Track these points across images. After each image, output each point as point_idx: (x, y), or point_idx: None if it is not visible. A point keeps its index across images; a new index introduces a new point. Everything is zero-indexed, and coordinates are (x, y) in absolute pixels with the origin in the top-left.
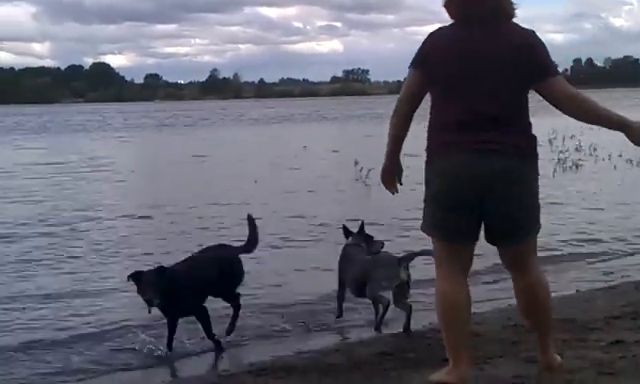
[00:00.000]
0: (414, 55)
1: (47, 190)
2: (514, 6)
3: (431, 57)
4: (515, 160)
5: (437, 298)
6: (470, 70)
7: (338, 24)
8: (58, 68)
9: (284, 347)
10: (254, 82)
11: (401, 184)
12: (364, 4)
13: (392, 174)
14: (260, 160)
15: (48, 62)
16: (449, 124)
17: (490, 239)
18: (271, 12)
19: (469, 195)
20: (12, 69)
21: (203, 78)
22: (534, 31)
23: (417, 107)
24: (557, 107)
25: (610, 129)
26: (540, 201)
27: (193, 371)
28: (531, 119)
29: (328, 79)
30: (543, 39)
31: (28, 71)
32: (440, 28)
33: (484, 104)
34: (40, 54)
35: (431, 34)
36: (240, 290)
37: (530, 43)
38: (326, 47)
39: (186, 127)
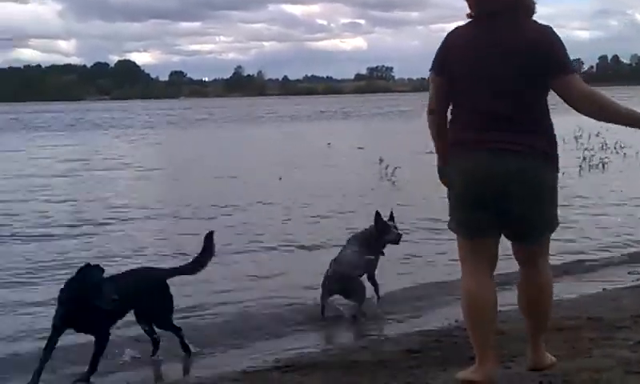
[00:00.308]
0: (433, 58)
1: (79, 189)
2: (534, 1)
3: (449, 59)
4: (529, 160)
5: (462, 296)
6: (485, 69)
7: (362, 21)
8: (84, 65)
9: (309, 344)
10: (277, 80)
11: None
12: (388, 1)
13: (445, 173)
14: (284, 157)
15: (74, 60)
16: (465, 123)
17: (505, 235)
18: (295, 9)
19: (486, 193)
20: (39, 66)
21: (227, 76)
22: (551, 27)
23: (444, 107)
24: (573, 106)
25: (629, 126)
26: (565, 199)
27: (218, 367)
28: (557, 117)
29: (352, 76)
30: (569, 37)
31: (54, 68)
32: (457, 27)
33: (498, 103)
34: (66, 52)
35: (448, 34)
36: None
37: (547, 40)
38: (349, 44)
39: (211, 124)
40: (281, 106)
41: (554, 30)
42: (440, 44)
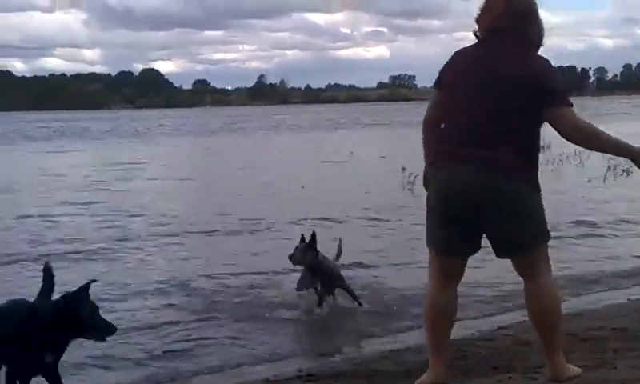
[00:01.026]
0: (438, 75)
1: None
2: (543, 35)
3: (450, 75)
4: (509, 177)
5: (428, 306)
6: (480, 90)
7: (385, 30)
8: (109, 74)
9: (332, 353)
10: (300, 88)
11: None
12: (411, 10)
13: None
14: (307, 165)
15: (99, 68)
16: (447, 138)
17: (495, 253)
18: (318, 18)
19: (461, 209)
20: (64, 75)
21: (251, 84)
22: (548, 61)
23: (440, 123)
24: (564, 136)
25: (617, 155)
26: (590, 205)
27: (242, 375)
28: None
29: (375, 85)
30: (593, 45)
31: (79, 77)
32: (464, 47)
33: (485, 121)
34: (91, 61)
35: (455, 52)
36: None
37: (543, 72)
38: (372, 53)
39: (235, 133)
40: (304, 114)
41: (551, 62)
42: (449, 59)
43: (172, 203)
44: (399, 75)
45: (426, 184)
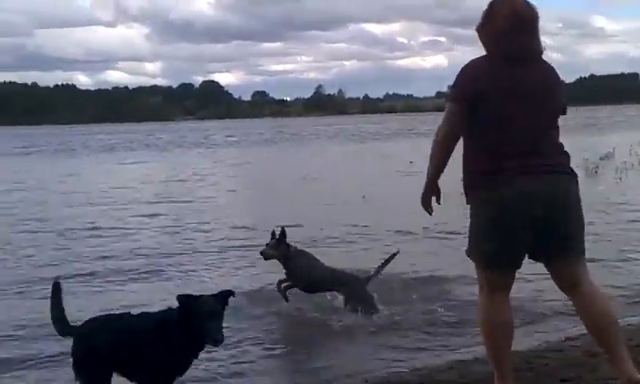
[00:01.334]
0: (451, 90)
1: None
2: (543, 44)
3: (472, 90)
4: (574, 182)
5: (484, 322)
6: (518, 105)
7: (442, 39)
8: (170, 86)
9: (399, 363)
10: (358, 98)
11: (439, 204)
12: (468, 18)
13: (430, 200)
14: (367, 175)
15: (159, 81)
16: (500, 151)
17: (545, 260)
18: (375, 28)
19: (534, 219)
20: (126, 87)
21: (309, 95)
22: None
23: (458, 139)
24: None
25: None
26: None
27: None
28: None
29: (432, 94)
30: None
31: (141, 90)
32: (474, 61)
33: (540, 131)
34: (152, 73)
35: (467, 66)
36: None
37: (560, 81)
38: (430, 62)
39: (295, 142)
40: (362, 124)
41: None
42: (458, 76)
43: (238, 213)
44: None
45: (472, 200)
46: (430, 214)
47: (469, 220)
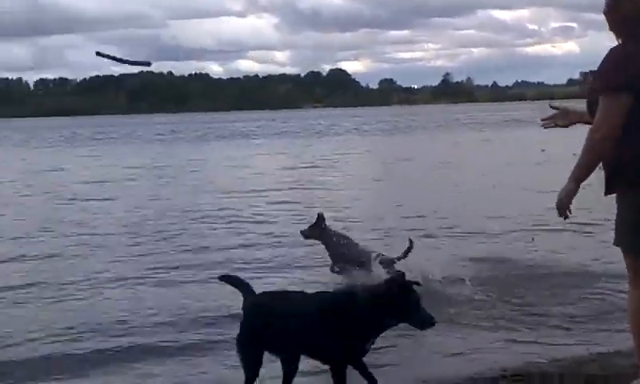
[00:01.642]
0: (613, 79)
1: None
2: None
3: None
4: None
5: (634, 313)
6: None
7: (574, 25)
8: (298, 74)
9: (536, 354)
10: (487, 86)
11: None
12: (601, 3)
13: (570, 203)
14: (497, 164)
15: (288, 69)
16: None
17: None
18: (504, 14)
19: None
20: (256, 76)
21: (436, 82)
22: None
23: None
24: None
25: None
26: None
27: (441, 372)
28: None
29: (564, 81)
30: None
31: (271, 78)
32: (622, 47)
33: None
34: (281, 62)
35: (626, 54)
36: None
37: None
38: (561, 49)
39: (426, 131)
40: (491, 112)
41: None
42: (620, 64)
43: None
44: (590, 71)
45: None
46: (566, 218)
47: (613, 211)
